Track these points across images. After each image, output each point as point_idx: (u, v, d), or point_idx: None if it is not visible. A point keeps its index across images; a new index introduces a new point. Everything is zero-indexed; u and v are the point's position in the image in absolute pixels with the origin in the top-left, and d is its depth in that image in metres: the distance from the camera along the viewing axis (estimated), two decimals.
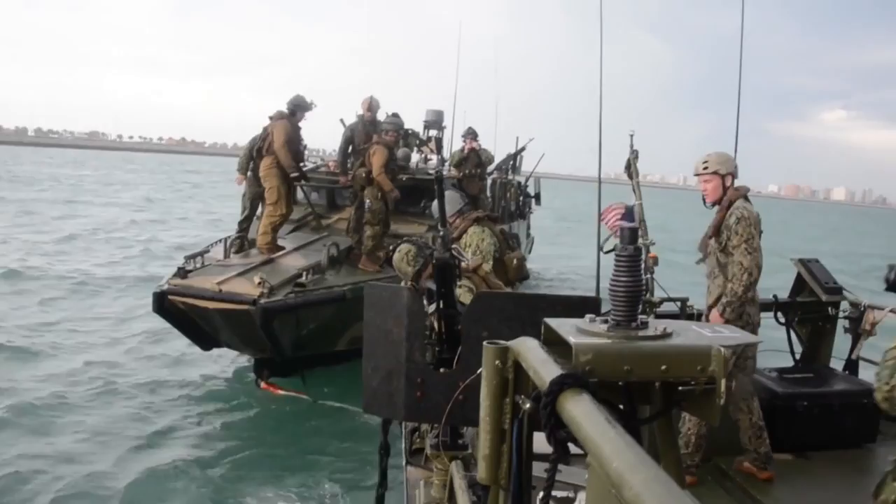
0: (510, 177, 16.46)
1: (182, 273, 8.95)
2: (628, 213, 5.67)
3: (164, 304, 8.79)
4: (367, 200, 10.31)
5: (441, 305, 3.33)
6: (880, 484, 2.68)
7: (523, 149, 16.82)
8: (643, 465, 0.99)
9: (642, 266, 1.80)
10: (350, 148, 11.31)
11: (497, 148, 15.90)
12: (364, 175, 10.29)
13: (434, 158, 14.75)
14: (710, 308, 4.66)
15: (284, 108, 10.11)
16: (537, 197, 18.42)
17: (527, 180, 18.00)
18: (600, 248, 5.25)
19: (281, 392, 9.21)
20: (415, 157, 14.34)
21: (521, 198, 17.44)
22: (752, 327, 4.55)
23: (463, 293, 4.31)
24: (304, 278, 9.12)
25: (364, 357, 3.23)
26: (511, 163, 16.64)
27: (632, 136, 5.65)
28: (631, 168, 5.67)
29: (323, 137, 10.66)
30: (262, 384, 9.40)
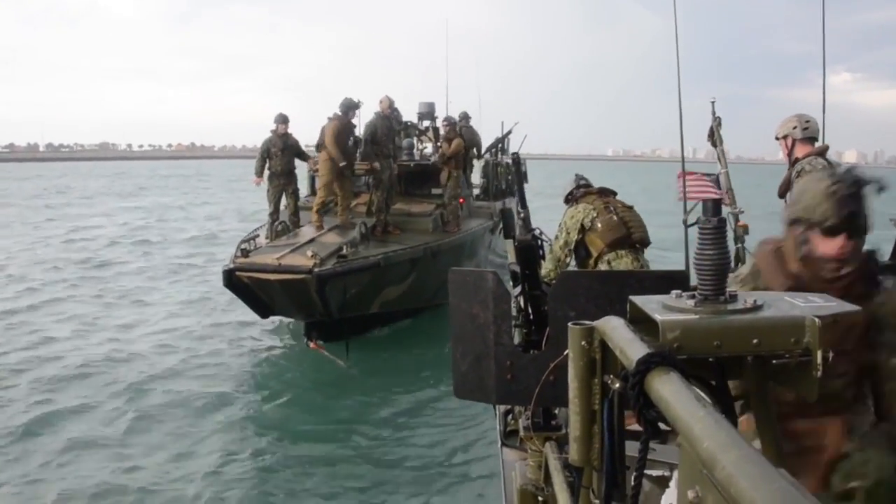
0: (499, 158, 18.72)
1: (244, 253, 10.54)
2: (713, 183, 5.53)
3: (232, 280, 10.32)
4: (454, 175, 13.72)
5: (526, 287, 3.32)
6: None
7: (509, 132, 18.88)
8: (735, 444, 0.97)
9: (728, 237, 1.75)
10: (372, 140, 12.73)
11: (482, 132, 18.03)
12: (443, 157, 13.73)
13: (429, 146, 16.88)
14: None
15: (338, 111, 12.04)
16: (524, 175, 19.78)
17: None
18: (684, 221, 5.14)
19: (325, 353, 10.53)
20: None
21: (509, 177, 19.29)
22: None
23: None
24: (345, 251, 10.70)
25: (452, 342, 3.24)
26: (499, 145, 18.80)
27: (713, 103, 5.50)
28: (714, 136, 5.53)
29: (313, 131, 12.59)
30: (311, 344, 10.79)
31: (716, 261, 1.70)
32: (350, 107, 12.00)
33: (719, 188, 5.51)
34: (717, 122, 5.52)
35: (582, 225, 5.32)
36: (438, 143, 15.29)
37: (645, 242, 5.41)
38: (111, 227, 28.18)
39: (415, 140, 16.30)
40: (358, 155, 13.05)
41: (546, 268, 4.63)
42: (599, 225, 5.30)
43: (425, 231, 12.96)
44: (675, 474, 2.36)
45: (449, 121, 14.50)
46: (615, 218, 5.33)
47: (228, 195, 48.03)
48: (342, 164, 11.86)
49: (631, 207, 5.55)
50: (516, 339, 3.29)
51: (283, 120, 12.62)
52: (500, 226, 16.63)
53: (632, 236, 5.30)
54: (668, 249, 10.48)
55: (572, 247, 5.33)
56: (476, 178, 17.75)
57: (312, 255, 10.11)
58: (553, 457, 3.04)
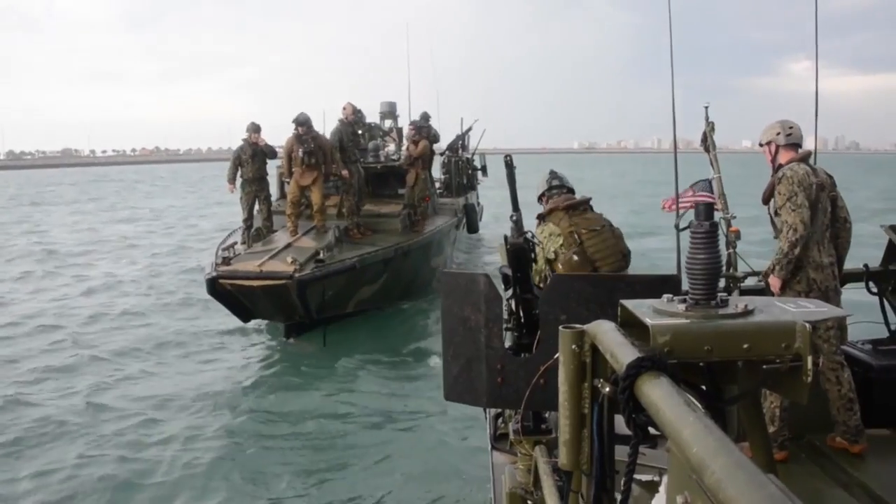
0: (460, 154, 19.25)
1: (226, 261, 10.77)
2: (706, 188, 5.52)
3: (215, 287, 10.55)
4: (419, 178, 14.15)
5: (518, 290, 3.31)
6: None
7: (470, 129, 19.78)
8: (724, 450, 0.96)
9: (720, 242, 1.75)
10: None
11: (441, 125, 18.28)
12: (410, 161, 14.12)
13: (392, 145, 17.29)
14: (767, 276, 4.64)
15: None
16: (483, 169, 21.17)
17: (472, 155, 20.65)
18: (676, 226, 5.12)
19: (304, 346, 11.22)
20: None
21: (469, 171, 20.20)
22: (822, 294, 4.40)
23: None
24: (321, 255, 11.06)
25: (443, 345, 3.23)
26: (460, 142, 19.48)
27: (706, 107, 5.49)
28: (707, 141, 5.52)
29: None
30: (292, 341, 11.49)
31: (707, 265, 1.70)
32: (294, 122, 12.39)
33: (712, 193, 5.49)
34: (711, 126, 5.50)
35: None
36: (405, 145, 15.59)
37: (620, 269, 4.70)
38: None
39: (379, 141, 16.79)
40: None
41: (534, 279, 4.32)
42: (560, 266, 4.64)
43: (395, 231, 13.46)
44: (665, 479, 2.36)
45: (415, 124, 14.88)
46: (575, 258, 4.63)
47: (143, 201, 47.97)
48: (286, 180, 13.15)
49: (601, 228, 4.76)
50: (507, 342, 3.29)
51: (255, 129, 13.12)
52: (464, 221, 16.95)
53: (598, 272, 4.58)
54: (646, 235, 10.42)
55: (543, 276, 4.63)
56: (436, 172, 18.04)
57: (292, 261, 10.49)
58: (542, 461, 3.03)
